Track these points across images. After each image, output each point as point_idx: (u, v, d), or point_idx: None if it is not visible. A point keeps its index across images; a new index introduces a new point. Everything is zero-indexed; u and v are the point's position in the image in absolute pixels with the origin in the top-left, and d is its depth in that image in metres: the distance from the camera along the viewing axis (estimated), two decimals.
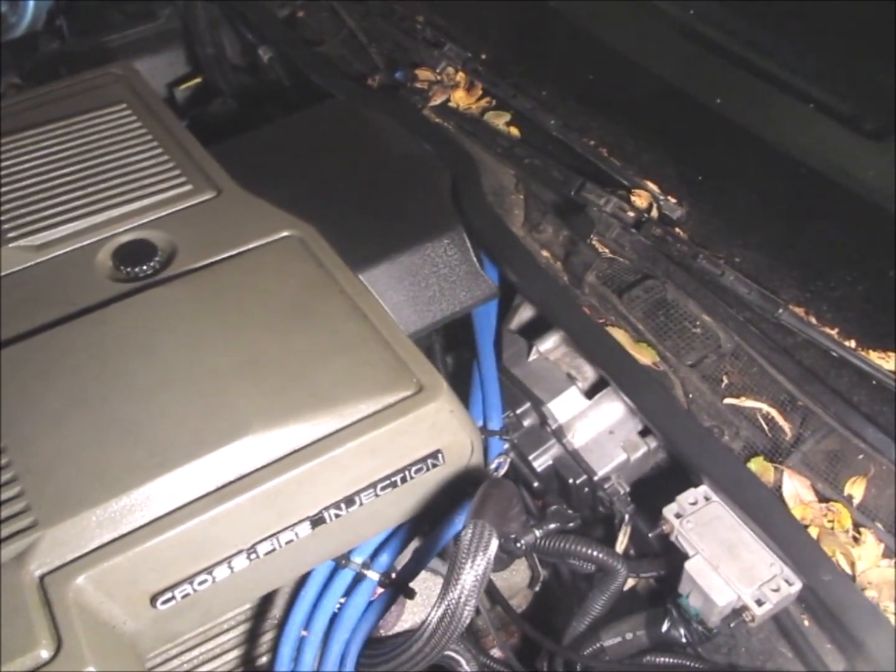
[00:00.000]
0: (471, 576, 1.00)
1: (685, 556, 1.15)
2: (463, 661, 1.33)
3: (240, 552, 1.08)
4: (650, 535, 1.27)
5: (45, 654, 0.96)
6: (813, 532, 1.12)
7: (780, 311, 1.27)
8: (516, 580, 1.52)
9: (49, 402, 1.14)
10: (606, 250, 1.44)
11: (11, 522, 1.03)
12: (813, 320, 1.27)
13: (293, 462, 1.09)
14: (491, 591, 1.35)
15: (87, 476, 1.07)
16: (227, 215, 1.41)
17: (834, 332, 1.25)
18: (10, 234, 1.37)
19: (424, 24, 1.89)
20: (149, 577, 1.04)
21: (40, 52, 2.40)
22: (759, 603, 1.09)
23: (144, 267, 1.32)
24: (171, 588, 1.05)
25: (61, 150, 1.51)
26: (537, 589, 1.51)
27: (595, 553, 1.22)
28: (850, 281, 1.29)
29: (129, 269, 1.32)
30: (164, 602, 1.05)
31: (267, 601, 1.28)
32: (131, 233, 1.38)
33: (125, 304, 1.26)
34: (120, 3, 2.43)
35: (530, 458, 1.40)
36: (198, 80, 2.36)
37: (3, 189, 1.44)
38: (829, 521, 1.14)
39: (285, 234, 1.36)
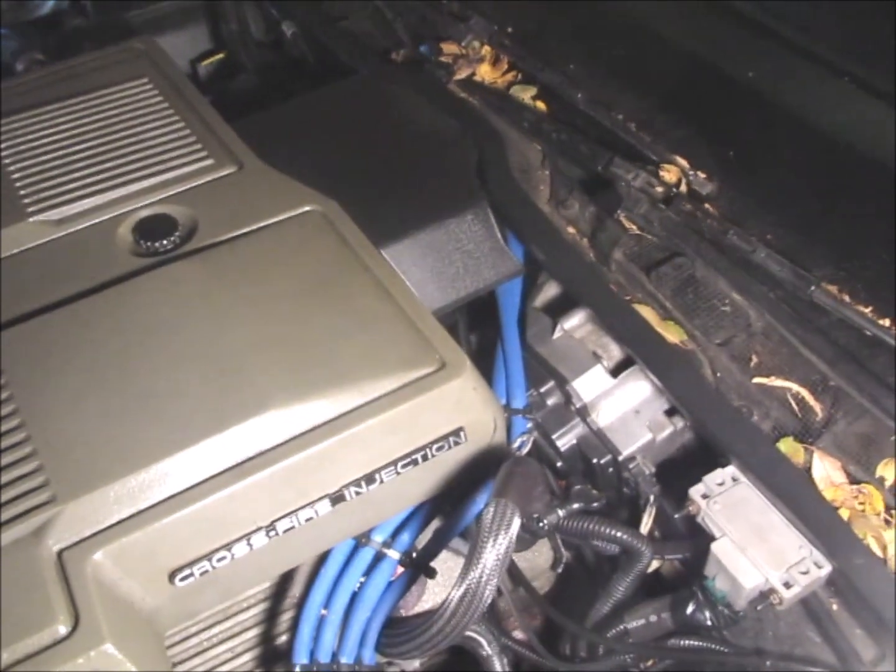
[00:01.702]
0: (492, 555, 0.99)
1: (712, 538, 1.13)
2: (485, 642, 1.32)
3: (259, 529, 1.07)
4: (676, 516, 1.24)
5: (62, 629, 0.95)
6: (844, 515, 1.10)
7: (813, 288, 1.23)
8: (539, 561, 1.50)
9: (68, 377, 1.14)
10: (634, 227, 1.41)
11: (30, 497, 1.02)
12: (847, 298, 1.23)
13: (313, 438, 1.08)
14: (513, 573, 1.34)
15: (105, 451, 1.06)
16: (248, 190, 1.39)
17: (868, 311, 1.21)
18: (31, 209, 1.36)
19: None
20: (167, 553, 1.04)
21: (64, 27, 2.41)
22: (788, 586, 1.07)
23: (165, 241, 1.31)
24: (190, 565, 1.04)
25: (82, 124, 1.51)
26: (560, 570, 1.49)
27: (619, 534, 1.20)
28: (885, 259, 1.26)
29: (149, 244, 1.31)
30: (183, 579, 1.04)
31: (286, 579, 1.27)
32: (152, 207, 1.37)
33: (145, 279, 1.25)
34: None
35: (554, 437, 1.38)
36: (221, 55, 2.35)
37: (25, 164, 1.44)
38: (861, 504, 1.11)
39: (307, 208, 1.35)
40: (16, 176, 1.42)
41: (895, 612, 1.00)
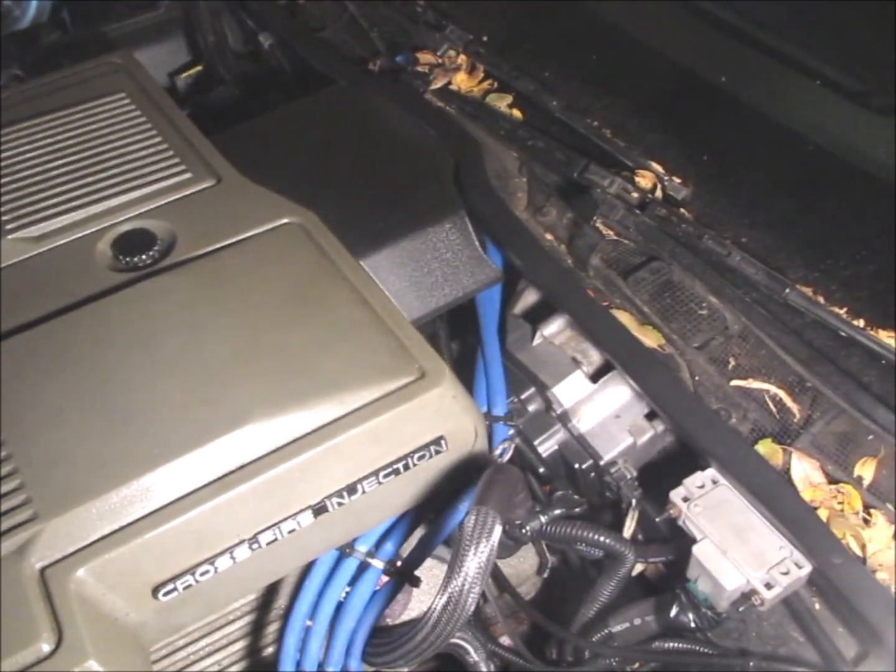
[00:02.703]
0: (474, 563, 0.99)
1: (693, 541, 1.13)
2: (471, 649, 1.32)
3: (242, 542, 1.07)
4: (658, 519, 1.25)
5: (46, 647, 0.95)
6: (823, 514, 1.11)
7: (788, 290, 1.25)
8: (524, 567, 1.50)
9: (49, 393, 1.14)
10: (611, 232, 1.42)
11: (12, 515, 1.02)
12: (821, 300, 1.25)
13: (295, 450, 1.08)
14: (499, 579, 1.34)
15: (87, 467, 1.06)
16: (227, 203, 1.39)
17: (843, 312, 1.23)
18: (10, 226, 1.36)
19: (426, 6, 1.86)
20: (150, 568, 1.04)
21: (42, 43, 2.40)
22: (769, 586, 1.08)
23: (144, 256, 1.31)
24: (173, 579, 1.05)
25: (60, 140, 1.51)
26: (545, 576, 1.50)
27: (602, 538, 1.20)
28: (859, 259, 1.27)
29: (128, 259, 1.31)
30: (167, 593, 1.04)
31: (271, 591, 1.27)
32: (131, 222, 1.37)
33: (125, 294, 1.25)
34: None
35: (535, 443, 1.38)
36: (199, 68, 2.34)
37: (3, 180, 1.44)
38: (839, 504, 1.13)
39: (286, 220, 1.35)
40: None
41: (875, 610, 1.01)
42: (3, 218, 1.37)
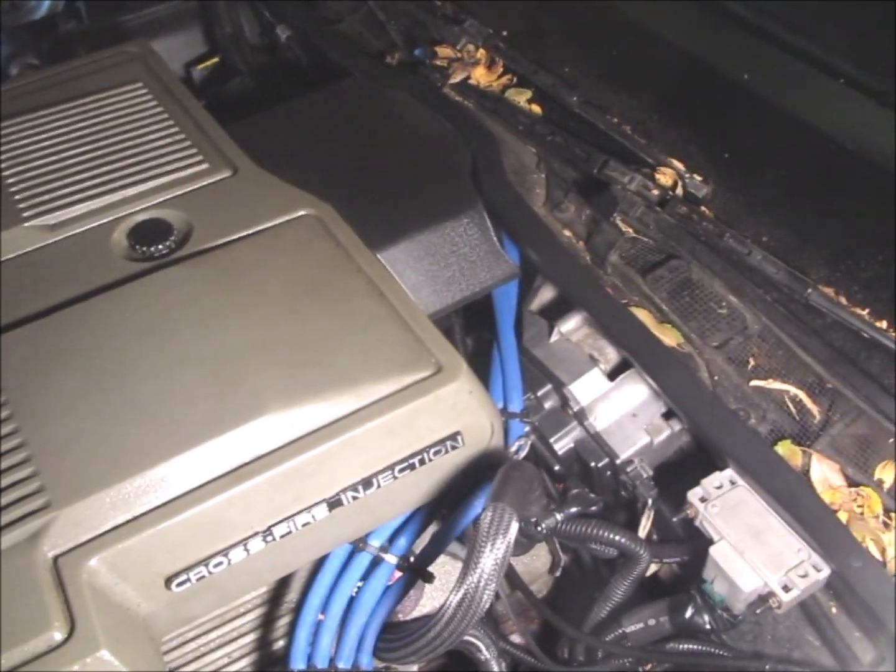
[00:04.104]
0: (490, 559, 0.98)
1: (710, 542, 1.12)
2: (482, 646, 1.31)
3: (255, 534, 1.06)
4: (674, 519, 1.24)
5: (58, 636, 0.95)
6: (842, 517, 1.09)
7: (809, 291, 1.24)
8: (537, 565, 1.50)
9: (64, 382, 1.13)
10: (630, 229, 1.41)
11: (25, 503, 1.02)
12: (843, 301, 1.24)
13: (310, 443, 1.08)
14: (511, 576, 1.33)
15: (101, 456, 1.06)
16: (243, 194, 1.39)
17: (865, 313, 1.22)
18: (26, 214, 1.36)
19: (444, 0, 1.85)
20: (163, 558, 1.03)
21: (58, 32, 2.40)
22: (786, 589, 1.07)
23: (160, 246, 1.31)
24: (186, 570, 1.04)
25: (77, 129, 1.50)
26: (558, 574, 1.49)
27: (617, 537, 1.19)
28: (881, 260, 1.26)
29: (144, 249, 1.31)
30: (179, 584, 1.04)
31: (283, 584, 1.26)
32: (147, 212, 1.37)
33: (140, 284, 1.25)
34: None
35: (551, 440, 1.37)
36: (215, 60, 2.35)
37: (19, 168, 1.43)
38: (859, 507, 1.11)
39: (303, 212, 1.34)
40: (11, 181, 1.41)
41: (894, 614, 1.00)
42: (20, 206, 1.37)
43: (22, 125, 1.51)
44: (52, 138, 1.48)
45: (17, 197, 1.38)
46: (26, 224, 1.34)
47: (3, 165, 1.44)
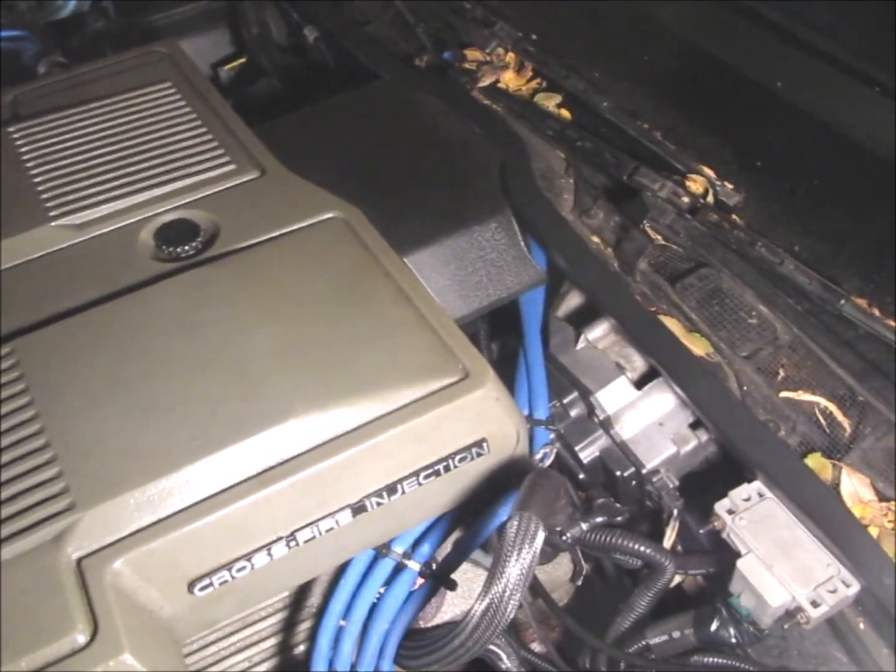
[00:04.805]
0: (516, 569, 0.98)
1: (737, 555, 1.11)
2: (504, 655, 1.30)
3: (279, 539, 1.06)
4: (700, 531, 1.23)
5: (81, 638, 0.94)
6: (872, 532, 1.08)
7: (842, 302, 1.22)
8: (558, 574, 1.48)
9: (89, 383, 1.13)
10: (659, 237, 1.39)
11: (49, 504, 1.01)
12: (876, 312, 1.22)
13: (335, 448, 1.07)
14: (533, 585, 1.32)
15: (126, 458, 1.05)
16: (271, 196, 1.38)
17: None
18: (53, 213, 1.36)
19: (474, 2, 1.84)
20: (187, 562, 1.02)
21: (86, 30, 2.41)
22: (815, 605, 1.05)
23: (187, 247, 1.30)
24: (210, 574, 1.03)
25: (104, 128, 1.50)
26: (579, 583, 1.48)
27: (642, 548, 1.18)
28: None
29: (171, 249, 1.31)
30: (202, 588, 1.03)
31: (305, 589, 1.26)
32: (174, 212, 1.36)
33: (167, 285, 1.24)
34: None
35: (577, 448, 1.36)
36: (242, 60, 2.34)
37: (46, 167, 1.44)
38: (890, 522, 1.10)
39: (330, 215, 1.34)
40: (37, 180, 1.41)
41: None
42: (47, 205, 1.37)
43: (50, 123, 1.51)
44: (80, 137, 1.48)
45: (44, 196, 1.38)
46: (53, 223, 1.34)
47: (31, 164, 1.44)
